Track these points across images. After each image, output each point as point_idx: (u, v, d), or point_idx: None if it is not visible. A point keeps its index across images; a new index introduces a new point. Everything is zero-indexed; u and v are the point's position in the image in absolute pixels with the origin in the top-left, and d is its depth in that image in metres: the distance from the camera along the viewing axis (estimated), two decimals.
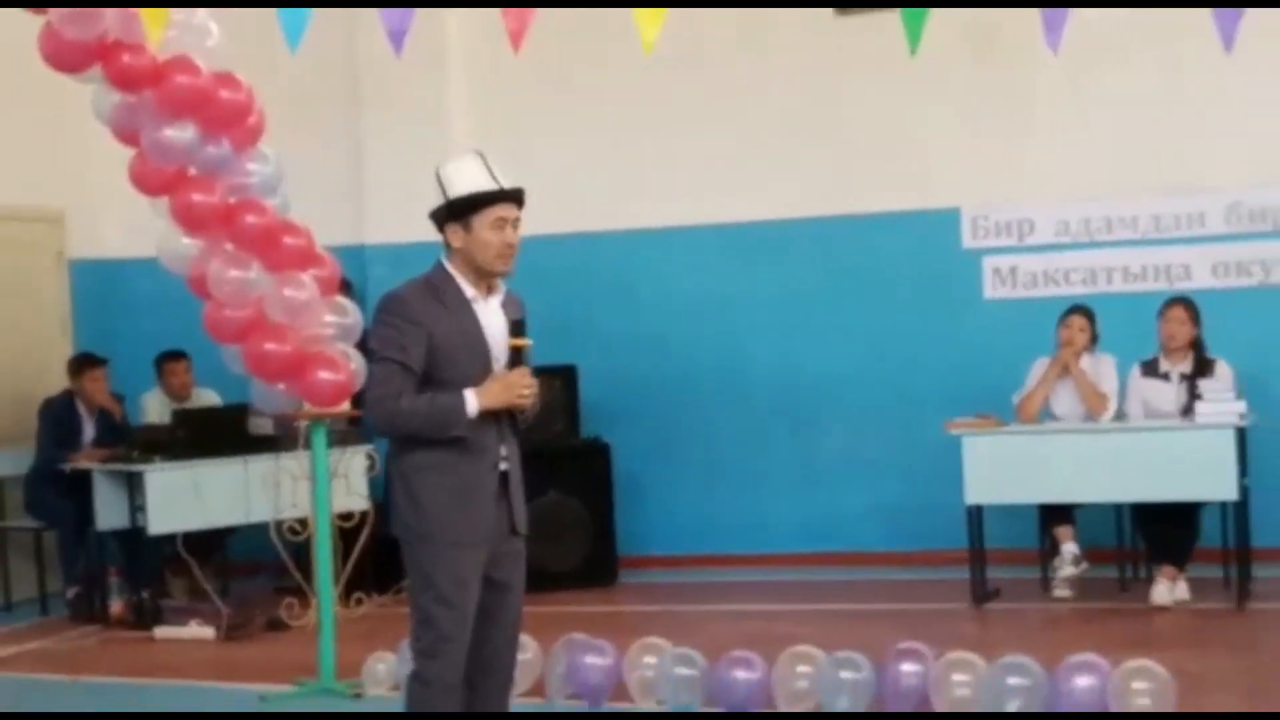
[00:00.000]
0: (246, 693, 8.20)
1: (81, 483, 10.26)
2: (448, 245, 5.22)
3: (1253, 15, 7.16)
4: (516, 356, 5.16)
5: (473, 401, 5.04)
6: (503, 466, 5.31)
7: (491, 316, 5.22)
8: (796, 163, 11.14)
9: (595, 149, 11.47)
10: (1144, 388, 9.83)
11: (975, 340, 10.81)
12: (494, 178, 5.17)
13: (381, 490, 5.39)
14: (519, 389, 5.15)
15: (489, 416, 5.17)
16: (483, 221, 5.11)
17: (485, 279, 5.23)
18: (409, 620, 5.26)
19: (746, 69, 11.11)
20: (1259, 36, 7.31)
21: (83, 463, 10.36)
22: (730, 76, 11.17)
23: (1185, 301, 9.85)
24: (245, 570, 10.54)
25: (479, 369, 5.12)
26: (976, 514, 9.74)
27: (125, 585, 10.42)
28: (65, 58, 7.68)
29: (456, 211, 5.13)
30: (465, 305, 5.17)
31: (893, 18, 7.41)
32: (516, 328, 5.21)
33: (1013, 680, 6.94)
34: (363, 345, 7.38)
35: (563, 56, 9.41)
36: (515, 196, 5.19)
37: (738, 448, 11.46)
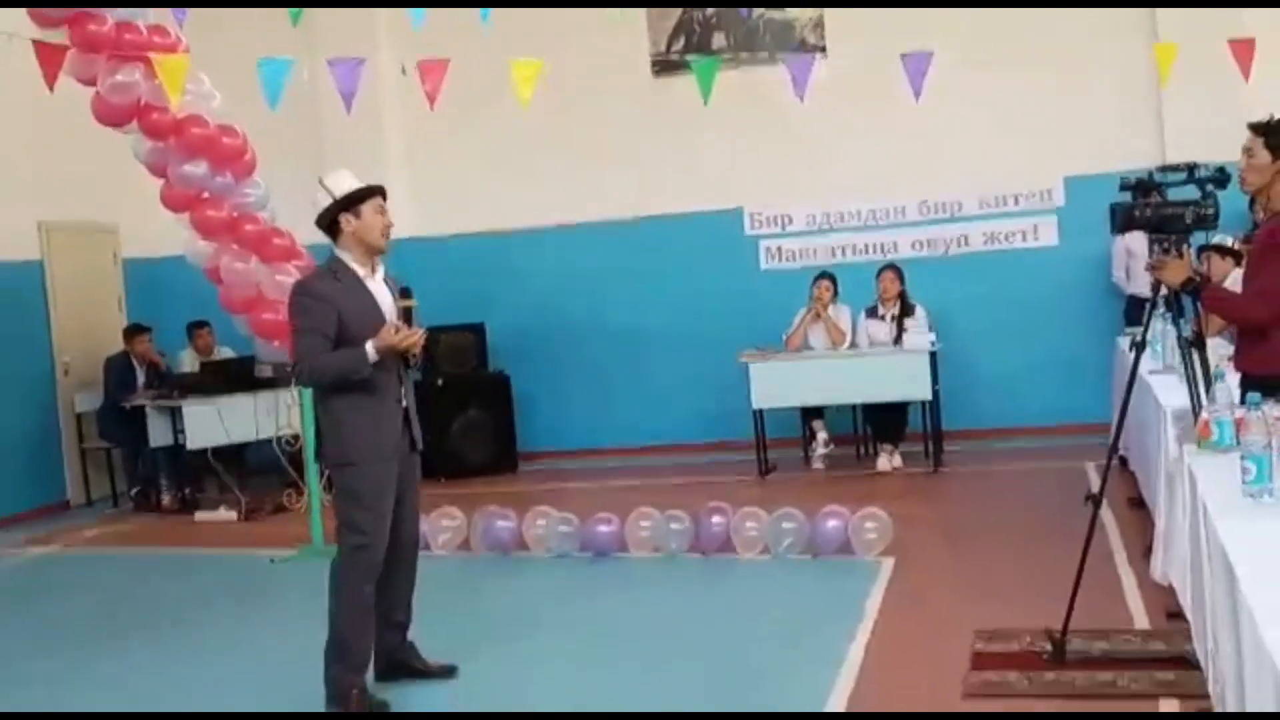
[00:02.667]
0: (260, 556, 8.32)
1: (137, 415, 10.35)
2: (338, 236, 5.13)
3: (934, 66, 7.67)
4: (407, 315, 5.25)
5: (371, 350, 4.96)
6: (404, 403, 5.27)
7: (379, 288, 5.20)
8: (631, 179, 11.22)
9: (491, 173, 11.47)
10: (868, 326, 10.18)
11: (756, 298, 10.95)
12: (362, 182, 5.15)
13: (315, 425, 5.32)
14: (405, 338, 5.04)
15: (390, 364, 5.11)
16: (369, 208, 5.07)
17: (371, 257, 5.18)
18: (338, 525, 5.21)
19: (594, 114, 11.13)
20: (938, 87, 7.70)
21: (137, 401, 10.43)
22: (582, 120, 11.14)
23: (894, 267, 10.25)
24: (257, 471, 10.49)
25: (374, 329, 5.03)
26: (760, 415, 10.02)
27: (172, 485, 10.50)
28: (111, 117, 7.79)
29: (349, 204, 5.07)
30: (359, 282, 5.12)
31: (691, 79, 7.93)
32: (405, 293, 5.36)
33: (786, 525, 7.20)
34: None
35: (465, 110, 9.48)
36: (384, 192, 5.19)
37: (599, 376, 11.55)
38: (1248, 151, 4.81)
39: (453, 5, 7.49)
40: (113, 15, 7.59)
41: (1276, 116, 4.84)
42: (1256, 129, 4.81)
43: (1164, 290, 5.00)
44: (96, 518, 10.66)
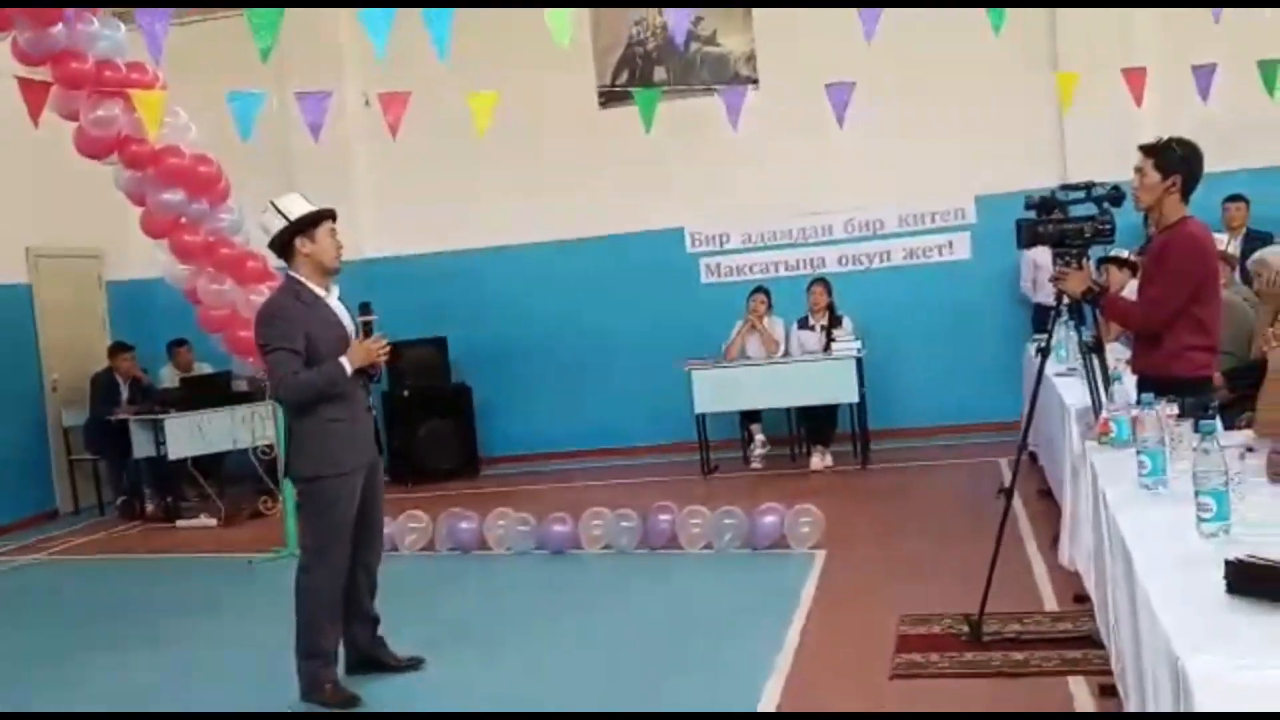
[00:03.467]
0: (239, 559, 8.27)
1: (122, 428, 10.25)
2: (293, 259, 5.06)
3: (856, 96, 7.69)
4: (368, 329, 5.11)
5: (347, 364, 4.93)
6: (372, 413, 5.26)
7: (336, 305, 5.11)
8: (580, 202, 11.22)
9: (451, 197, 11.42)
10: (800, 336, 10.18)
11: (697, 311, 10.91)
12: (311, 204, 5.10)
13: (286, 441, 5.26)
14: (375, 350, 5.06)
15: (359, 375, 5.06)
16: (323, 231, 5.02)
17: (326, 277, 5.08)
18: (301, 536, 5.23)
19: (545, 142, 11.07)
20: (861, 115, 7.65)
21: (121, 415, 10.34)
22: (534, 147, 11.04)
23: (822, 281, 10.27)
24: (234, 480, 10.39)
25: (340, 343, 5.01)
26: (702, 419, 10.03)
27: (155, 494, 10.40)
28: (93, 149, 7.68)
29: (303, 227, 5.00)
30: (319, 300, 5.04)
31: (634, 109, 7.91)
32: (365, 308, 5.16)
33: (727, 521, 7.22)
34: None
35: (426, 138, 9.45)
36: (335, 214, 5.13)
37: (554, 385, 11.51)
38: (1139, 172, 4.87)
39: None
40: (93, 54, 7.50)
41: (1164, 139, 4.91)
42: (1147, 151, 4.86)
43: (1066, 299, 5.06)
44: (84, 525, 10.56)
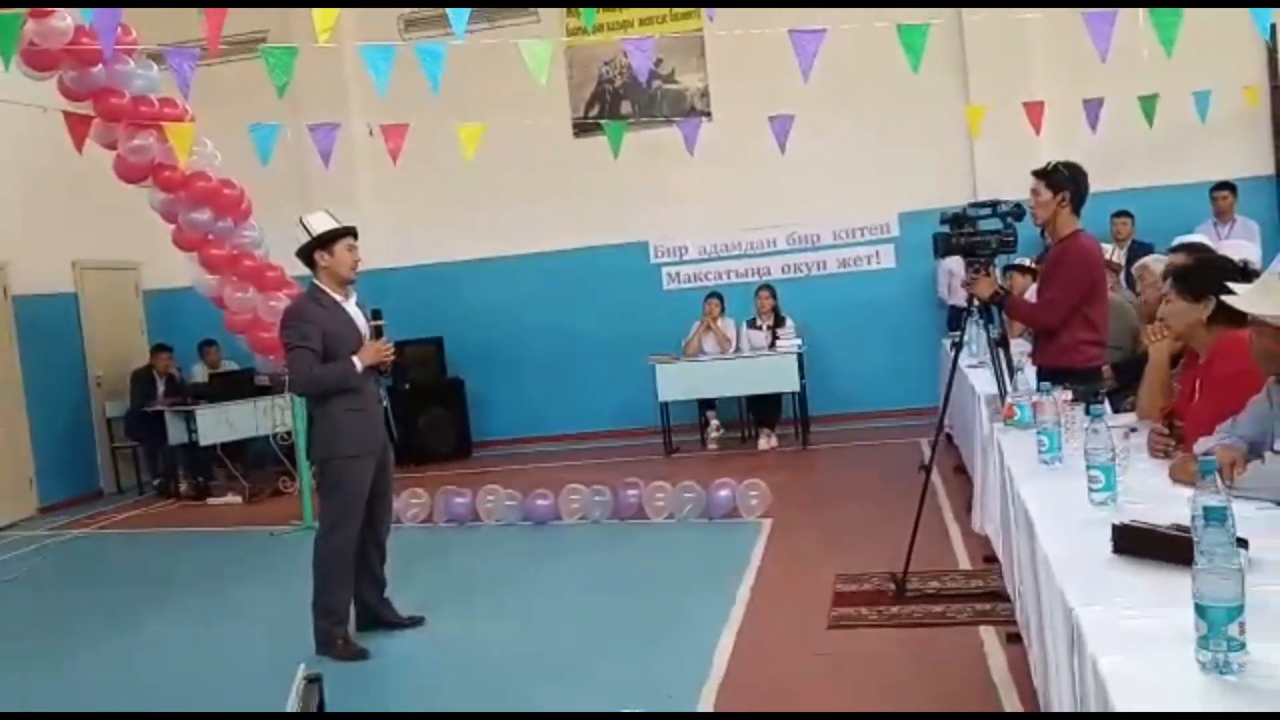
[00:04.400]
0: (262, 532, 8.26)
1: (158, 418, 10.22)
2: (316, 269, 5.04)
3: (795, 127, 7.69)
4: (378, 331, 5.13)
5: (357, 362, 4.95)
6: (384, 403, 5.26)
7: (353, 310, 5.10)
8: (558, 219, 11.15)
9: (445, 215, 11.36)
10: (749, 334, 10.20)
11: (661, 313, 10.83)
12: (339, 221, 5.09)
13: (308, 428, 5.19)
14: (383, 350, 5.07)
15: (370, 372, 5.05)
16: (341, 246, 5.00)
17: (344, 286, 5.07)
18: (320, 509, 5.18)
19: (527, 167, 10.87)
20: (799, 144, 7.64)
21: (157, 406, 10.31)
22: (517, 171, 10.79)
23: (768, 287, 10.29)
24: (257, 463, 10.27)
25: (354, 343, 5.01)
26: (665, 407, 10.03)
27: (188, 475, 10.31)
28: (130, 175, 7.69)
29: (324, 243, 4.99)
30: (337, 306, 5.03)
31: (604, 138, 7.88)
32: (376, 314, 5.18)
33: (687, 495, 7.25)
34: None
35: (422, 163, 9.34)
36: (355, 231, 5.10)
37: (537, 378, 11.41)
38: (1034, 192, 4.89)
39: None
40: (129, 91, 7.46)
41: (1052, 162, 4.94)
42: (1038, 174, 4.90)
43: (976, 302, 5.09)
44: (125, 503, 10.47)
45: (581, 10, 4.64)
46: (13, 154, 9.70)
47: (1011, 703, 3.88)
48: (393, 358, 5.17)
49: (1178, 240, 5.63)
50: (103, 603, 6.75)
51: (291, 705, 1.62)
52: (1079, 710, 2.09)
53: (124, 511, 10.03)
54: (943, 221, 5.08)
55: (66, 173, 8.88)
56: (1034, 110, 7.74)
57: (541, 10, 11.02)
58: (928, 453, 6.04)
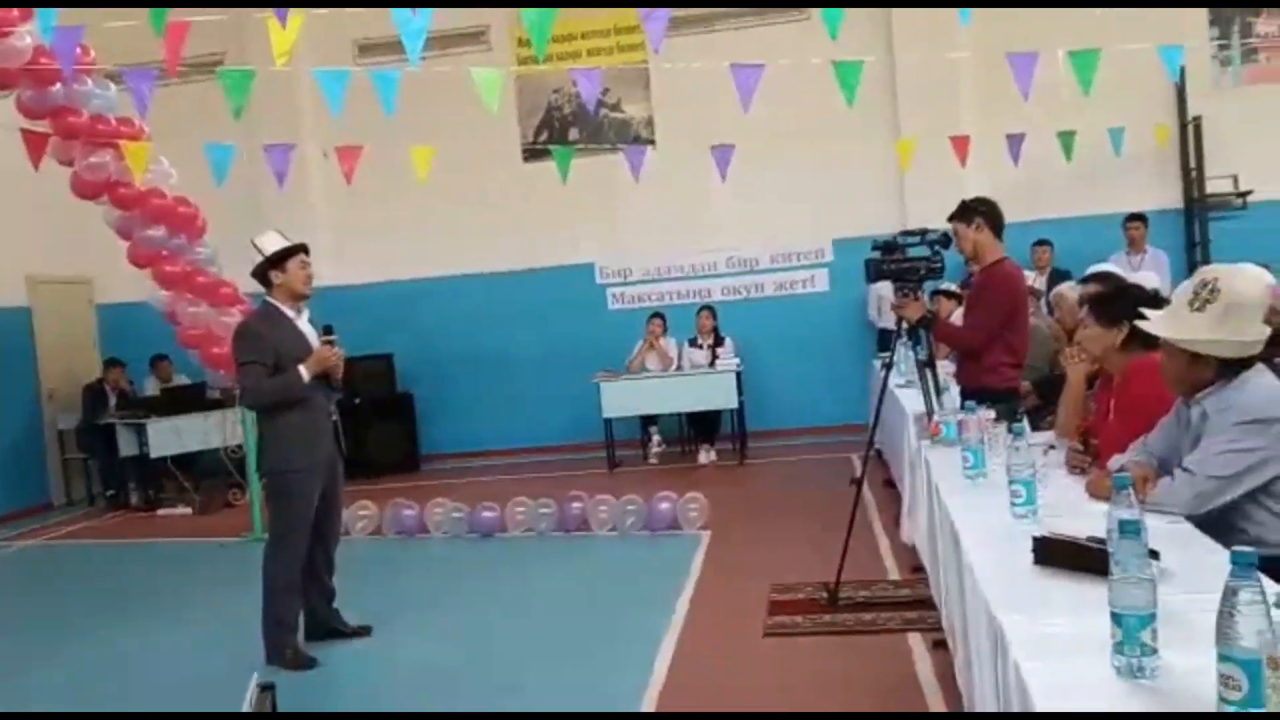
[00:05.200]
0: (211, 543, 8.11)
1: (109, 431, 10.06)
2: (270, 287, 5.00)
3: (736, 156, 7.73)
4: (329, 344, 5.00)
5: (304, 371, 4.88)
6: (334, 417, 5.18)
7: (305, 325, 5.05)
8: (507, 240, 11.09)
9: (397, 235, 11.25)
10: (690, 353, 10.19)
11: (605, 332, 10.81)
12: (289, 240, 5.04)
13: (258, 441, 5.12)
14: (327, 355, 4.95)
15: (319, 385, 4.96)
16: (294, 264, 4.97)
17: (298, 301, 5.03)
18: (269, 521, 5.12)
19: (478, 190, 10.89)
20: (739, 172, 7.62)
21: (109, 419, 10.15)
22: (468, 194, 10.85)
23: (709, 308, 10.34)
24: (207, 475, 10.07)
25: (306, 357, 4.93)
26: (609, 423, 9.94)
27: (138, 488, 10.15)
28: (86, 191, 7.59)
29: (276, 261, 4.96)
30: (289, 321, 4.99)
31: (553, 164, 7.86)
32: (328, 330, 5.09)
33: (629, 507, 7.23)
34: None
35: (375, 185, 9.26)
36: (306, 248, 5.05)
37: (484, 393, 11.31)
38: (955, 233, 4.98)
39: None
40: (87, 110, 7.35)
41: (961, 202, 5.03)
42: (951, 218, 5.00)
43: (905, 324, 5.12)
44: (75, 515, 10.27)
45: (532, 40, 4.65)
46: None
47: (938, 705, 3.91)
48: (341, 366, 5.07)
49: (1091, 269, 5.76)
50: (54, 613, 6.59)
51: (247, 712, 1.59)
52: (1000, 709, 2.12)
53: (74, 523, 9.82)
54: (874, 248, 5.12)
55: (20, 189, 8.72)
56: (960, 144, 7.86)
57: (493, 38, 11.02)
58: (859, 467, 6.08)
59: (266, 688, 1.66)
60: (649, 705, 4.21)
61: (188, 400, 10.18)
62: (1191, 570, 2.25)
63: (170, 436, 9.77)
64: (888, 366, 5.66)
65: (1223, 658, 1.58)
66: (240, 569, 6.34)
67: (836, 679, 4.34)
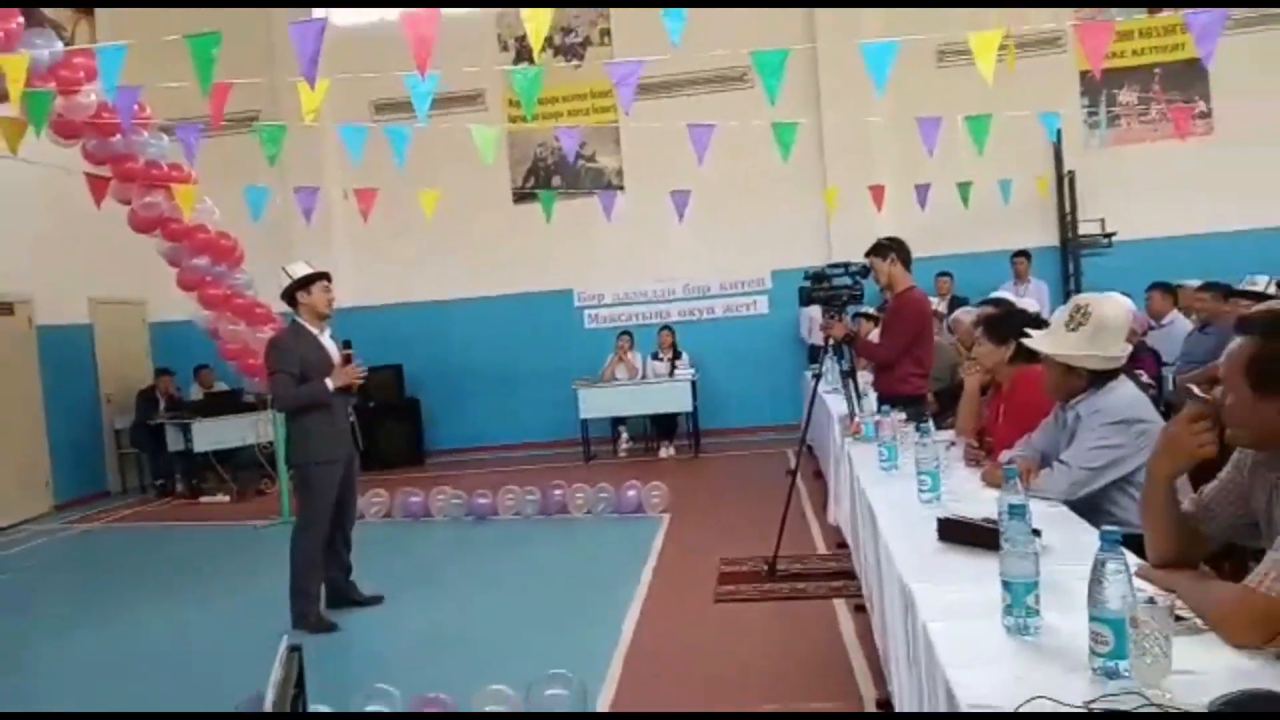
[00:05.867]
0: (246, 526, 7.99)
1: (159, 429, 9.95)
2: (297, 307, 4.97)
3: (691, 200, 7.74)
4: (348, 359, 4.99)
5: (329, 383, 4.88)
6: (351, 419, 5.18)
7: (328, 341, 5.03)
8: (500, 269, 10.98)
9: (407, 264, 11.13)
10: (653, 365, 10.18)
11: (582, 348, 10.69)
12: (314, 268, 5.02)
13: (287, 438, 5.07)
14: (352, 373, 4.96)
15: (340, 391, 4.95)
16: (318, 288, 4.95)
17: (321, 320, 5.00)
18: (297, 506, 5.09)
19: (475, 226, 10.80)
20: (694, 213, 7.70)
21: (159, 420, 10.02)
22: (467, 230, 10.74)
23: (669, 328, 10.34)
24: (243, 467, 9.80)
25: (328, 368, 4.93)
26: (585, 423, 9.90)
27: (183, 478, 9.99)
28: (141, 226, 7.54)
29: (303, 285, 4.94)
30: (313, 338, 4.96)
31: (538, 205, 7.87)
32: (347, 344, 5.10)
33: (602, 494, 7.18)
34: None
35: (388, 221, 9.20)
36: (329, 275, 5.04)
37: (480, 398, 11.15)
38: (872, 268, 5.02)
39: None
40: (143, 157, 7.28)
41: (876, 240, 5.08)
42: (868, 253, 5.04)
43: (832, 341, 5.16)
44: (130, 502, 10.09)
45: (522, 102, 4.67)
46: (39, 208, 9.31)
47: (858, 659, 3.92)
48: (362, 380, 5.06)
49: (983, 298, 5.83)
50: (109, 586, 6.48)
51: (277, 670, 1.58)
52: (910, 663, 2.13)
53: (129, 508, 9.66)
54: (806, 278, 5.15)
55: (85, 224, 8.57)
56: (877, 192, 7.95)
57: (489, 100, 10.96)
58: (794, 460, 6.10)
59: (295, 649, 1.64)
60: (619, 661, 4.19)
61: (227, 403, 10.06)
62: (1068, 546, 2.26)
63: (211, 434, 9.66)
64: (817, 376, 5.69)
65: (1093, 618, 1.59)
66: (271, 547, 6.28)
67: (775, 637, 4.34)
